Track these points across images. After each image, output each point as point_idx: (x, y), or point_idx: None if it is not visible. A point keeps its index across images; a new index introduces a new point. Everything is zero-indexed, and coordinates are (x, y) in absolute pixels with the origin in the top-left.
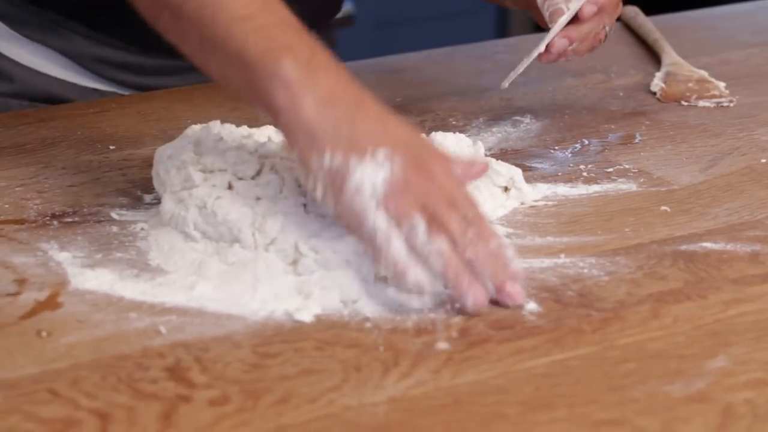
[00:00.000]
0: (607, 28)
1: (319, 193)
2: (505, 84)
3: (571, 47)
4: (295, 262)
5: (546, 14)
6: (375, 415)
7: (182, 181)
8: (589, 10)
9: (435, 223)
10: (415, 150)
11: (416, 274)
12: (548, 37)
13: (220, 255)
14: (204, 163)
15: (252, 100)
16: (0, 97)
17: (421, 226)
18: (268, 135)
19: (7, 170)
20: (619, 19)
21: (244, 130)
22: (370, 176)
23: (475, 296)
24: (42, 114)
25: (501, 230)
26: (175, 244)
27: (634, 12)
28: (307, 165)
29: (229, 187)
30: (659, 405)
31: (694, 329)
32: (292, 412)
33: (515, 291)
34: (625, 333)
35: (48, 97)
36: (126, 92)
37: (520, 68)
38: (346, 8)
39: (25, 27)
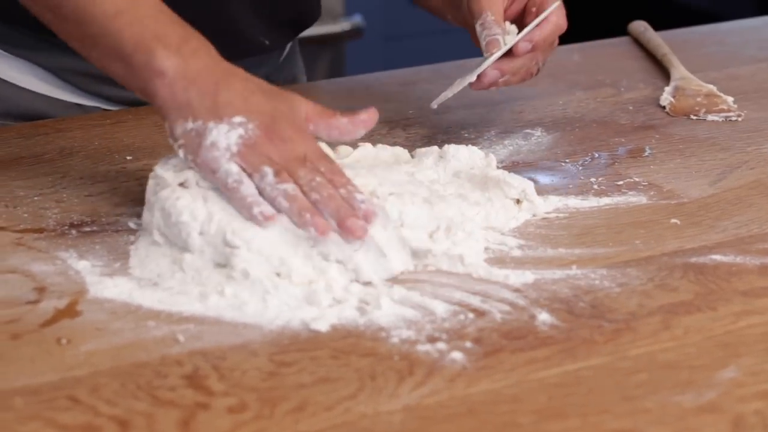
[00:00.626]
0: (540, 64)
1: (180, 154)
2: (434, 105)
3: (502, 79)
4: (227, 260)
5: (483, 42)
6: (390, 424)
7: (155, 184)
8: (524, 47)
9: (283, 173)
10: (271, 117)
11: (263, 207)
12: (481, 66)
13: (176, 263)
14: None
15: (134, 89)
16: None
17: (269, 174)
18: None
19: (25, 180)
20: (628, 34)
21: None
22: (225, 136)
23: (315, 226)
24: (60, 124)
25: (513, 242)
26: (150, 251)
27: (643, 27)
28: (173, 135)
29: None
30: (670, 415)
31: (704, 340)
32: (309, 420)
33: (355, 225)
34: (636, 344)
35: (31, 113)
36: (110, 107)
37: (450, 92)
38: (355, 21)
39: (5, 41)
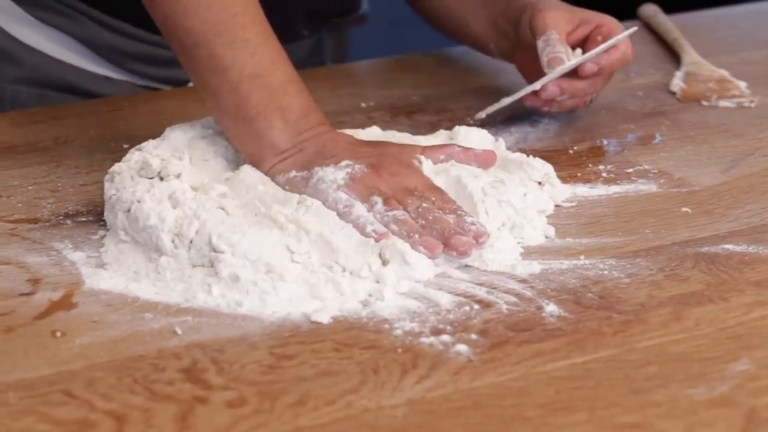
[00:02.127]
0: (595, 95)
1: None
2: (482, 115)
3: (559, 98)
4: (211, 262)
5: (544, 59)
6: (393, 418)
7: (112, 186)
8: (590, 68)
9: (392, 200)
10: (379, 157)
11: (376, 226)
12: (542, 80)
13: (152, 262)
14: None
15: (240, 146)
16: (10, 84)
17: (379, 202)
18: None
19: (20, 169)
20: (638, 18)
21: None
22: (332, 173)
23: (425, 245)
24: (55, 112)
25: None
26: (122, 248)
27: (653, 11)
28: (277, 179)
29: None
30: (681, 409)
31: (716, 332)
32: (310, 414)
33: (460, 242)
34: (646, 336)
35: (60, 84)
36: (140, 81)
37: (503, 104)
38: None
39: (40, 10)
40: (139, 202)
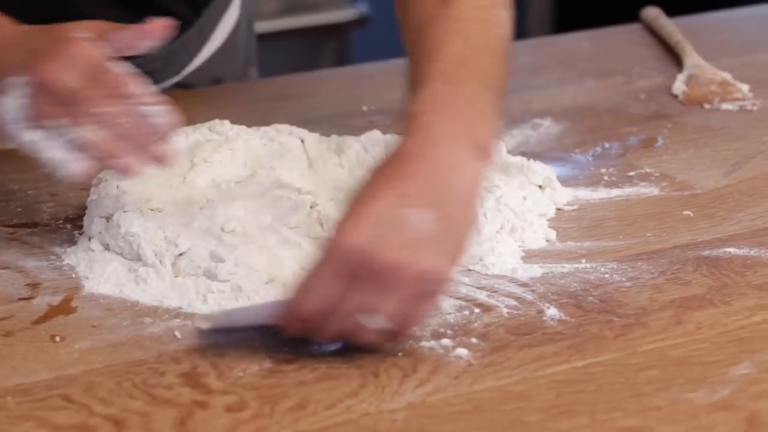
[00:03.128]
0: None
1: None
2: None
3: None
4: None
5: None
6: (393, 422)
7: (99, 190)
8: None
9: (74, 113)
10: (34, 56)
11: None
12: None
13: (132, 272)
14: None
15: None
16: None
17: (55, 125)
18: (268, 135)
19: (19, 173)
20: (640, 21)
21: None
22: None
23: (125, 169)
24: None
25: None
26: (97, 257)
27: (655, 13)
28: None
29: None
30: (682, 413)
31: (717, 336)
32: (310, 418)
33: (158, 151)
34: (647, 339)
35: None
36: None
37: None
38: (361, 9)
39: None
40: (124, 210)
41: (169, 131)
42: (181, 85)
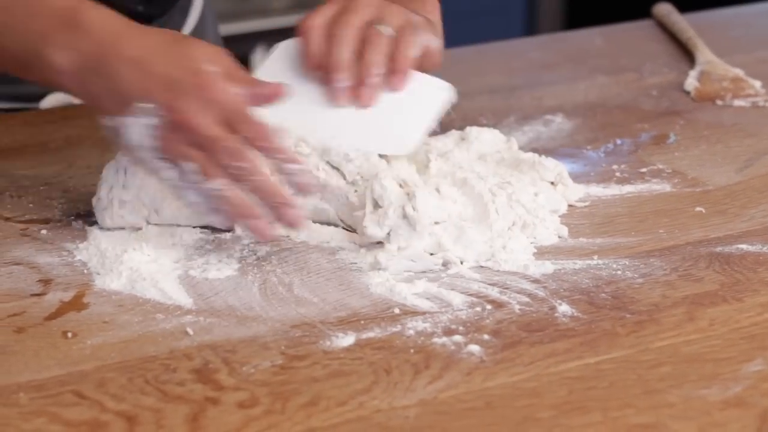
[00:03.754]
0: (380, 27)
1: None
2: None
3: (343, 84)
4: None
5: None
6: (405, 419)
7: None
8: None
9: (205, 167)
10: (175, 90)
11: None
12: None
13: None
14: None
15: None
16: None
17: (190, 170)
18: None
19: (31, 169)
20: (652, 17)
21: None
22: (135, 128)
23: (255, 230)
24: (66, 112)
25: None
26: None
27: (667, 9)
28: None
29: None
30: (695, 409)
31: (730, 332)
32: (321, 415)
33: (288, 216)
34: (659, 336)
35: None
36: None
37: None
38: None
39: None
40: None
41: (304, 193)
42: None
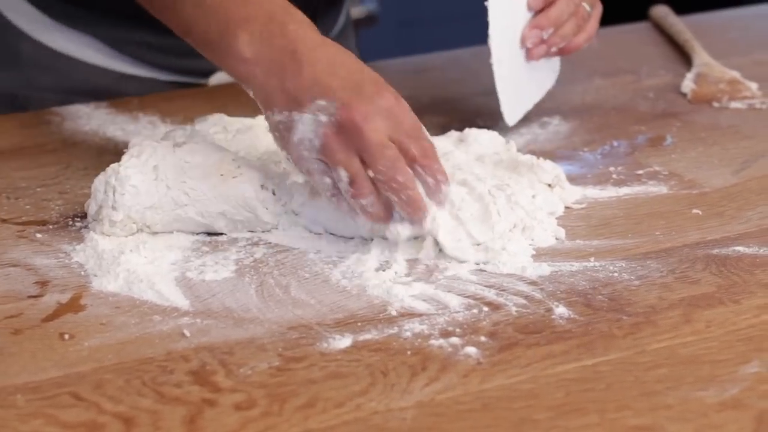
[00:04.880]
0: (585, 5)
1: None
2: (513, 122)
3: (547, 34)
4: None
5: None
6: (402, 420)
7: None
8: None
9: (357, 179)
10: (357, 92)
11: (345, 206)
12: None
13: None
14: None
15: (227, 72)
16: (38, 92)
17: (344, 179)
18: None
19: (28, 170)
20: (649, 19)
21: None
22: (308, 125)
23: (393, 236)
24: (63, 113)
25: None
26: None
27: (664, 12)
28: (268, 122)
29: None
30: (692, 411)
31: (727, 334)
32: (319, 417)
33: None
34: (656, 338)
35: (85, 87)
36: (163, 77)
37: (530, 105)
38: (370, 7)
39: (61, 15)
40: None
41: (441, 206)
42: None
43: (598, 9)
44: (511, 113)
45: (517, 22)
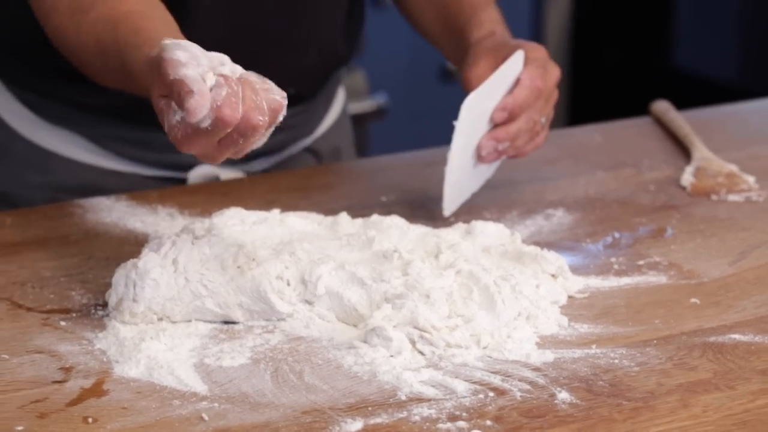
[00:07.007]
0: (542, 119)
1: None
2: (447, 213)
3: (501, 146)
4: None
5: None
6: None
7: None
8: (500, 116)
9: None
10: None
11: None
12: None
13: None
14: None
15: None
16: (28, 191)
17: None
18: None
19: (52, 261)
20: (650, 114)
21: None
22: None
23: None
24: (86, 205)
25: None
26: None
27: (665, 107)
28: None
29: None
30: None
31: (723, 419)
32: None
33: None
34: (655, 422)
35: (73, 184)
36: (145, 171)
37: (466, 195)
38: (380, 101)
39: (49, 113)
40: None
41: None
42: (310, 150)
43: (551, 116)
44: (450, 205)
45: (479, 129)
